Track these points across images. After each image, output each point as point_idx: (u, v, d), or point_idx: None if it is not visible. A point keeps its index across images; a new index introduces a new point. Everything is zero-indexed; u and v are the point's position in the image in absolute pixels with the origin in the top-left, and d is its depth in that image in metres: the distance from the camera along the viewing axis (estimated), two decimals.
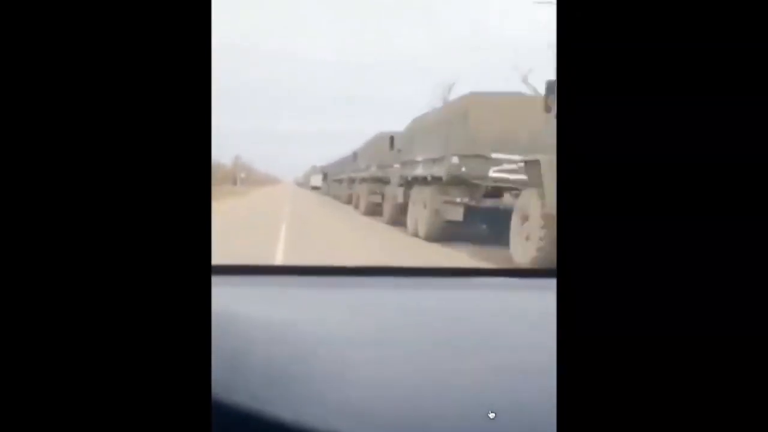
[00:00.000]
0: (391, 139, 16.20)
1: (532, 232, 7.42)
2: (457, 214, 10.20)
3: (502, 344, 0.77)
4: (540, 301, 1.02)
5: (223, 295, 0.55)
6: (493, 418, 0.53)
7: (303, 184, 70.85)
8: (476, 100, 10.50)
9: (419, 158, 12.03)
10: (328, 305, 0.93)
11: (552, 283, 1.16)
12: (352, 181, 23.05)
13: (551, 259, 7.61)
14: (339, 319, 0.84)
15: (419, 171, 11.87)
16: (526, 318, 0.92)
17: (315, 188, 46.85)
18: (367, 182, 18.37)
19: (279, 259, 7.96)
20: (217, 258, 0.64)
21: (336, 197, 28.88)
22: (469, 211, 10.19)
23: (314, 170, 58.10)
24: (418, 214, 11.30)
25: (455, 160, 10.12)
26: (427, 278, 1.26)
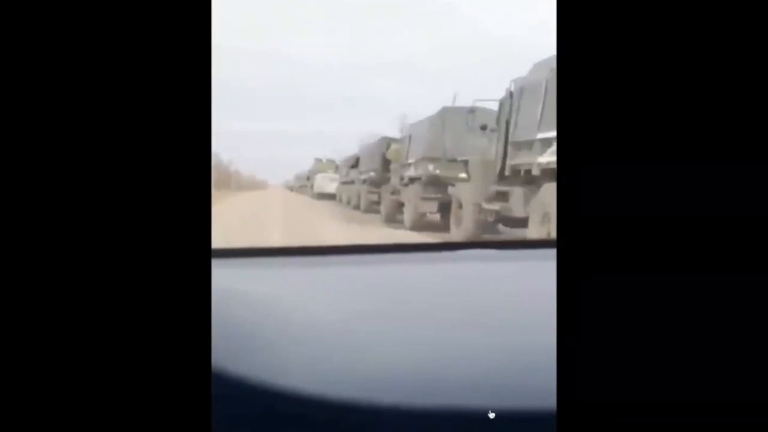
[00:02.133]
0: (471, 112, 9.63)
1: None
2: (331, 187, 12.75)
3: (499, 318, 0.79)
4: (524, 271, 1.04)
5: (220, 276, 0.56)
6: (493, 418, 0.53)
7: (298, 188, 48.49)
8: None
9: (538, 136, 6.68)
10: (322, 283, 0.95)
11: (535, 253, 1.19)
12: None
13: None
14: (331, 294, 0.85)
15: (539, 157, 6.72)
16: (514, 287, 0.94)
17: (324, 195, 27.80)
18: (419, 183, 11.80)
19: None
20: None
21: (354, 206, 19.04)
22: None
23: (319, 166, 36.43)
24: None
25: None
26: (419, 253, 1.27)
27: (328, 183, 29.26)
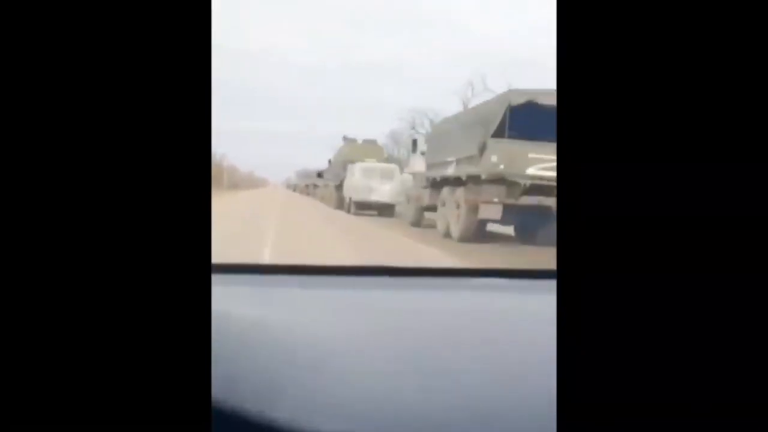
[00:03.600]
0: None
1: None
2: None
3: (498, 346, 0.78)
4: (535, 303, 1.03)
5: (216, 293, 0.56)
6: None
7: (303, 187, 39.91)
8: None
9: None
10: (323, 305, 0.93)
11: (544, 285, 1.18)
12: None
13: None
14: (333, 319, 0.84)
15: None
16: (521, 320, 0.92)
17: (366, 204, 16.51)
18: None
19: None
20: None
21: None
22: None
23: (351, 149, 22.63)
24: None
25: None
26: (422, 278, 1.25)
27: (377, 182, 16.16)
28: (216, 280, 0.56)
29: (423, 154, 13.24)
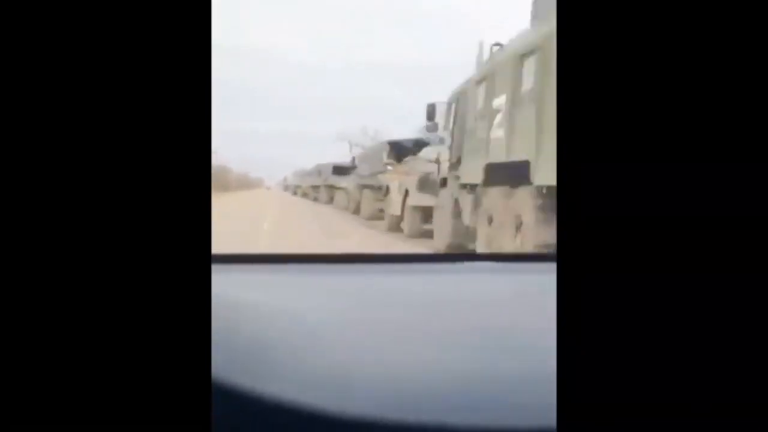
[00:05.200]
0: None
1: None
2: None
3: (491, 328, 0.78)
4: (526, 284, 1.04)
5: (215, 281, 0.56)
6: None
7: (308, 188, 34.87)
8: None
9: None
10: (320, 291, 0.94)
11: (537, 267, 1.19)
12: None
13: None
14: (330, 304, 0.85)
15: None
16: (510, 301, 0.94)
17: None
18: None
19: None
20: None
21: None
22: None
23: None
24: None
25: None
26: (415, 264, 1.26)
27: None
28: (216, 269, 0.57)
29: None
